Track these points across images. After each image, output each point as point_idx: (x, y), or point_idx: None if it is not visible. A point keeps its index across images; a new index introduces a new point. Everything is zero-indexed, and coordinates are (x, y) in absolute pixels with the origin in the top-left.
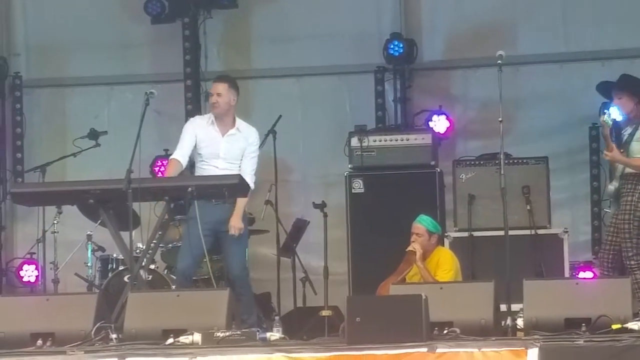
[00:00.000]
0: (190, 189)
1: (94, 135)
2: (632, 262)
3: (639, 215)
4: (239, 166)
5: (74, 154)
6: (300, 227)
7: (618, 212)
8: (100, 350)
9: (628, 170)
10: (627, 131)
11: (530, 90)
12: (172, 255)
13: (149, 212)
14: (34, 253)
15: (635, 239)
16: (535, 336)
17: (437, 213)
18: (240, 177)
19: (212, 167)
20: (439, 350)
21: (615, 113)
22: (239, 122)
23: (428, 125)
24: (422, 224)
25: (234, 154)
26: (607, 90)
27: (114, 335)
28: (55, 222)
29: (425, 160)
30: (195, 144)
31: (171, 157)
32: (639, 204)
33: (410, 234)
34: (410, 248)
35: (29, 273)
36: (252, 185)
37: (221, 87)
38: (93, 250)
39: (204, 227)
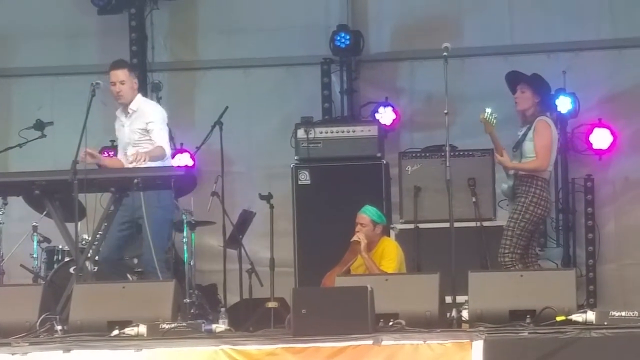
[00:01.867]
0: (136, 180)
1: (39, 126)
2: (507, 259)
3: (527, 217)
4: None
5: (19, 145)
6: (246, 218)
7: (511, 211)
8: (45, 342)
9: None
10: (521, 131)
11: (476, 83)
12: None
13: (95, 203)
14: None
15: (516, 238)
16: (480, 328)
17: (383, 205)
18: (187, 170)
19: (125, 157)
20: (384, 343)
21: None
22: (135, 101)
23: (374, 117)
24: (367, 214)
25: (134, 136)
26: (515, 82)
27: (59, 327)
28: (0, 213)
29: (371, 152)
30: None
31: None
32: (530, 206)
33: (355, 224)
34: (355, 238)
35: None
36: (168, 151)
37: (123, 74)
38: (39, 242)
39: (123, 216)
